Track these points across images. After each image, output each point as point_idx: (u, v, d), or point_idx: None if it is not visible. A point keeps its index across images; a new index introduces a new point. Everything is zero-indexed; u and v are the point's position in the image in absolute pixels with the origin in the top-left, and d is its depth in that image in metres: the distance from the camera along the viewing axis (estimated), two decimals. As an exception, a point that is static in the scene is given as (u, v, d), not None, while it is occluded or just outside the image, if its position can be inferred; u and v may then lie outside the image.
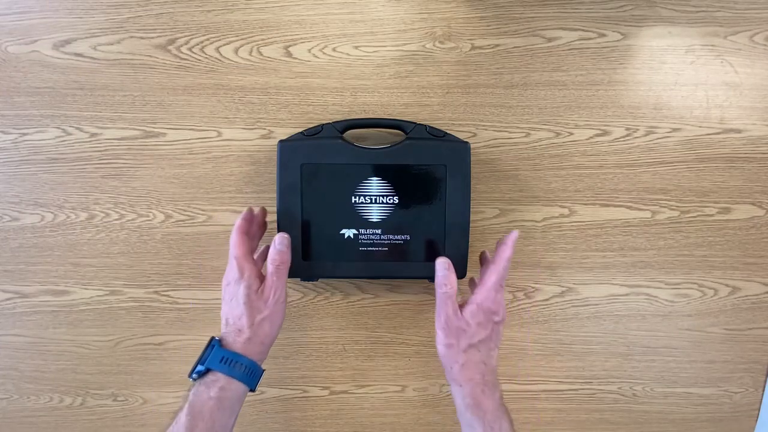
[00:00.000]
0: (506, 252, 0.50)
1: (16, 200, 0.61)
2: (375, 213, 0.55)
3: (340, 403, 0.68)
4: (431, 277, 0.52)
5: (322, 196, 0.55)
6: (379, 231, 0.55)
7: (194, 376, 0.46)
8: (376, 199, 0.55)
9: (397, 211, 0.55)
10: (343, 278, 0.63)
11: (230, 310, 0.49)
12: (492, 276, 0.50)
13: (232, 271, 0.49)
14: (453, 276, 0.50)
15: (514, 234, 0.51)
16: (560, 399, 0.67)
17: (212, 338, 0.48)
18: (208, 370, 0.46)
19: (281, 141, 0.55)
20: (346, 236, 0.56)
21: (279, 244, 0.50)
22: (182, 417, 0.44)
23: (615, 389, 0.67)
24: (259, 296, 0.49)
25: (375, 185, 0.55)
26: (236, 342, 0.47)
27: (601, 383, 0.67)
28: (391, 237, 0.56)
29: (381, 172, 0.55)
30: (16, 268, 0.63)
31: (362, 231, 0.55)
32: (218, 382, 0.46)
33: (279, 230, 0.55)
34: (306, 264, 0.56)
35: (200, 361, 0.47)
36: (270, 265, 0.49)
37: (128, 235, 0.62)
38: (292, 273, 0.57)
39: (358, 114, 0.59)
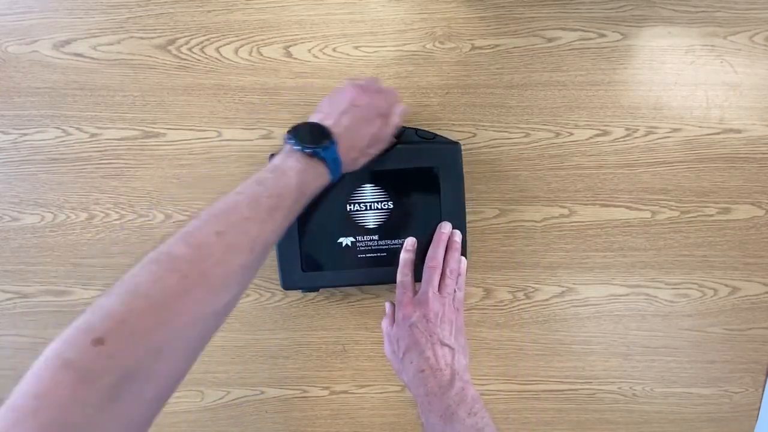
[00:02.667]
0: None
1: (16, 200, 0.61)
2: (371, 220, 0.55)
3: (340, 403, 0.68)
4: None
5: (317, 206, 0.54)
6: (376, 237, 0.55)
7: (308, 151, 0.43)
8: (370, 206, 0.55)
9: (393, 216, 0.55)
10: (345, 286, 0.62)
11: (355, 126, 0.47)
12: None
13: (380, 104, 0.50)
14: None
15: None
16: (560, 399, 0.67)
17: (329, 132, 0.45)
18: (318, 158, 0.44)
19: (272, 155, 0.55)
20: (344, 244, 0.56)
21: (402, 111, 0.53)
22: (292, 183, 0.41)
23: (615, 389, 0.67)
24: (382, 139, 0.51)
25: (369, 192, 0.55)
26: (345, 152, 0.46)
27: (601, 383, 0.66)
28: (388, 242, 0.56)
29: (373, 178, 0.54)
30: (16, 268, 0.63)
31: (359, 238, 0.55)
32: (324, 177, 0.45)
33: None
34: (306, 275, 0.56)
35: (321, 147, 0.44)
36: (397, 118, 0.52)
37: (128, 235, 0.62)
38: (293, 285, 0.57)
39: (358, 114, 0.58)
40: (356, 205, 0.55)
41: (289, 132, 0.45)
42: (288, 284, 0.57)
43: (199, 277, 0.34)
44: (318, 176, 0.44)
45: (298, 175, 0.42)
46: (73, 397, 0.27)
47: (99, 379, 0.28)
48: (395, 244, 0.55)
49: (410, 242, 0.55)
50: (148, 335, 0.31)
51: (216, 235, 0.36)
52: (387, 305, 0.56)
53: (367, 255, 0.56)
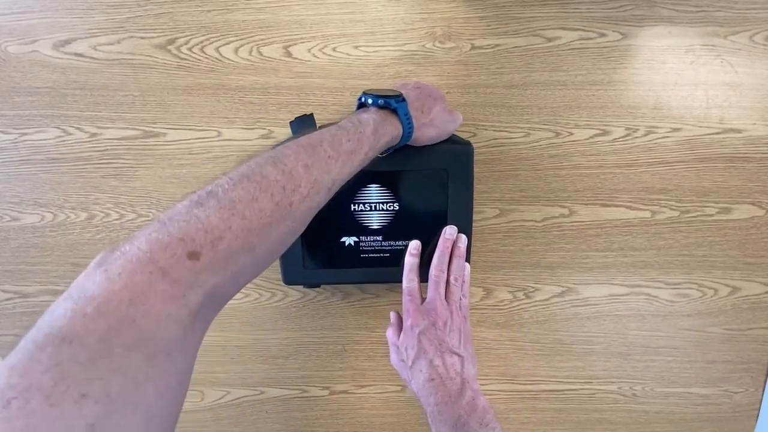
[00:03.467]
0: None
1: (16, 200, 0.61)
2: (375, 220, 0.55)
3: (340, 403, 0.68)
4: None
5: None
6: (379, 238, 0.55)
7: (380, 102, 0.45)
8: (375, 206, 0.54)
9: (398, 217, 0.54)
10: (346, 284, 0.62)
11: (422, 97, 0.50)
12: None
13: (442, 94, 0.54)
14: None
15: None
16: (560, 399, 0.67)
17: (399, 92, 0.47)
18: (390, 110, 0.45)
19: None
20: (346, 244, 0.55)
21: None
22: (369, 130, 0.42)
23: (615, 389, 0.67)
24: (446, 120, 0.52)
25: (374, 192, 0.54)
26: (415, 114, 0.48)
27: (601, 383, 0.67)
28: (392, 243, 0.55)
29: (380, 178, 0.54)
30: (16, 268, 0.63)
31: (363, 238, 0.55)
32: (397, 130, 0.46)
33: None
34: (307, 271, 0.56)
35: (393, 99, 0.45)
36: (460, 117, 0.55)
37: (128, 235, 0.62)
38: (294, 280, 0.57)
39: (358, 114, 0.59)
40: (361, 205, 0.54)
41: (363, 93, 0.47)
42: (289, 279, 0.57)
43: (288, 207, 0.33)
44: (392, 128, 0.45)
45: (374, 124, 0.43)
46: (167, 312, 0.26)
47: (189, 296, 0.27)
48: (399, 246, 0.55)
49: (415, 245, 0.54)
50: (237, 257, 0.30)
51: (304, 168, 0.36)
52: (392, 315, 0.55)
53: (370, 255, 0.55)
